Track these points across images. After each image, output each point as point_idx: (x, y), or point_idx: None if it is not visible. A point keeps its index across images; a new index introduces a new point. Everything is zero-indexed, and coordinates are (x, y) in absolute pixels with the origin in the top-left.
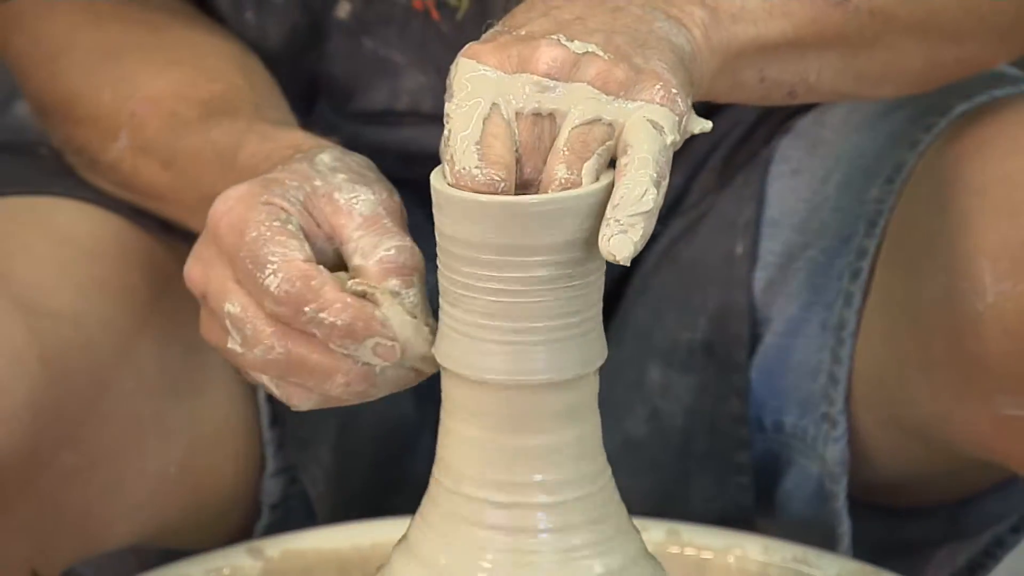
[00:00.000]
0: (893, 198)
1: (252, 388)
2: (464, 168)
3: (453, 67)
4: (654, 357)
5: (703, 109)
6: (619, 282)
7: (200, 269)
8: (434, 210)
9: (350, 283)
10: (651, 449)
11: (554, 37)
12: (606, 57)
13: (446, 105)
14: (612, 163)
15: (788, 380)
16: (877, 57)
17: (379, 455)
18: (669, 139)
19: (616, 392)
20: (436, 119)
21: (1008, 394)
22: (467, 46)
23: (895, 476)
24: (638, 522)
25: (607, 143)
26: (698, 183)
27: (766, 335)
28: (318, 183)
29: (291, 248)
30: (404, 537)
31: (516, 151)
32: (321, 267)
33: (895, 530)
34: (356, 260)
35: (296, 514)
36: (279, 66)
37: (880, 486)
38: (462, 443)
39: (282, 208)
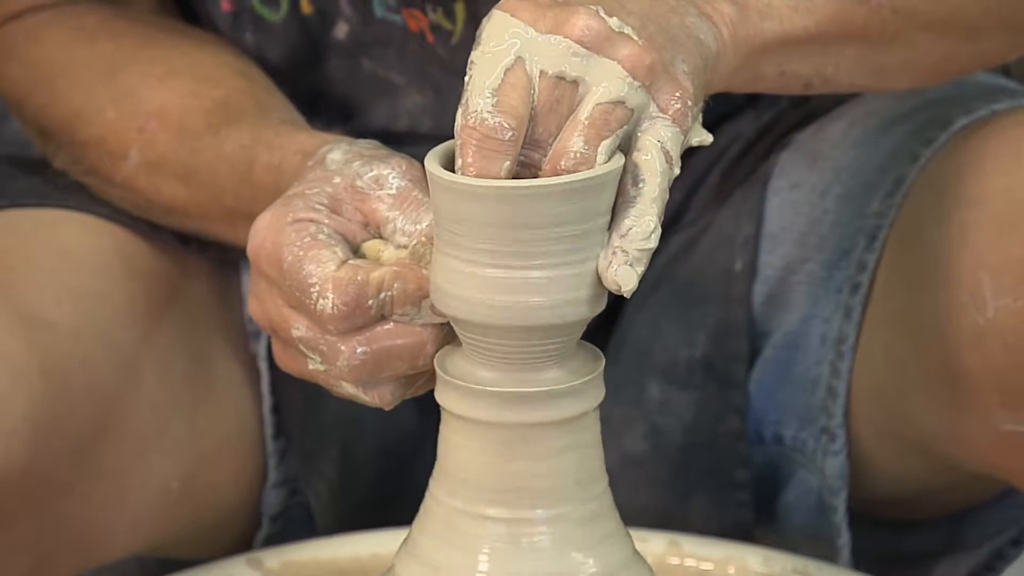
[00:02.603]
0: (894, 212)
1: (256, 399)
2: (476, 110)
3: (486, 19)
4: (653, 373)
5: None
6: (618, 298)
7: (259, 306)
8: (431, 193)
9: (391, 251)
10: (650, 466)
11: (593, 8)
12: (640, 42)
13: (472, 53)
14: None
15: (787, 393)
16: (896, 53)
17: (382, 468)
18: (675, 171)
19: (615, 408)
20: (434, 139)
21: (1008, 409)
22: (504, 1)
23: (895, 489)
24: (638, 533)
25: (624, 127)
26: (697, 199)
27: (765, 348)
28: (337, 180)
29: (324, 260)
30: (405, 541)
31: (532, 108)
32: (358, 261)
33: (895, 543)
34: (399, 239)
35: (296, 525)
36: (278, 85)
37: (880, 499)
38: (461, 450)
39: (310, 220)
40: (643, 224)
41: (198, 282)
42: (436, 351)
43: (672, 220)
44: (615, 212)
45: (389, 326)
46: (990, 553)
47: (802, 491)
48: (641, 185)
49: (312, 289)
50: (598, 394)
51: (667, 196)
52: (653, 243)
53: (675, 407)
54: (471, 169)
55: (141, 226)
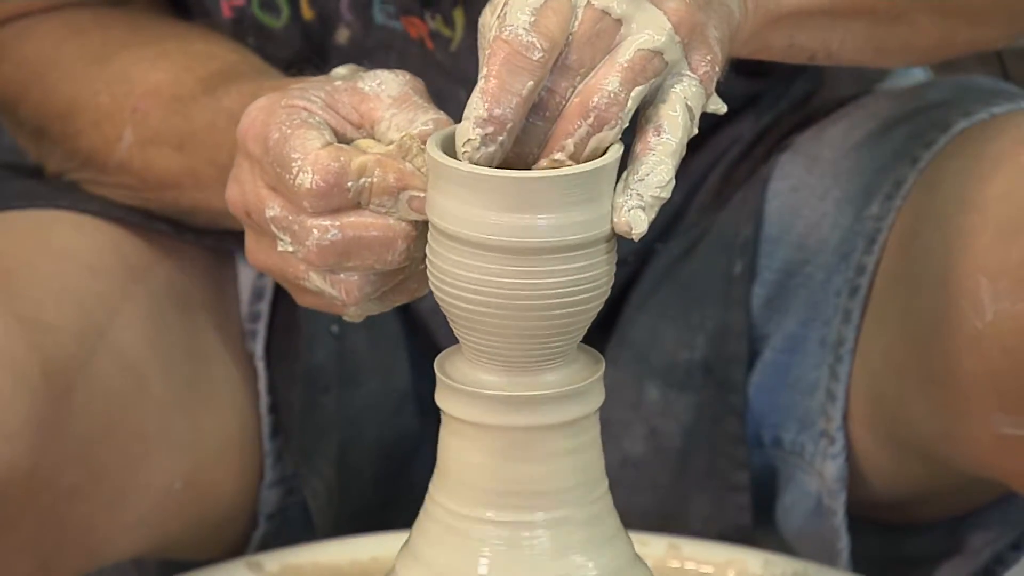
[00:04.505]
0: (892, 215)
1: (254, 399)
2: (512, 24)
3: None
4: (652, 376)
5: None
6: (618, 300)
7: (237, 188)
8: (430, 183)
9: (379, 147)
10: (649, 468)
11: None
12: (687, 0)
13: None
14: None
15: (786, 396)
16: (898, 32)
17: (381, 469)
18: (695, 130)
19: (614, 411)
20: None
21: (1006, 413)
22: None
23: (894, 492)
24: (638, 536)
25: (656, 78)
26: (697, 201)
27: (764, 351)
28: (339, 82)
29: (310, 139)
30: (406, 543)
31: (571, 34)
32: (343, 145)
33: (895, 546)
34: (391, 136)
35: (293, 524)
36: None
37: (879, 502)
38: (461, 454)
39: (303, 108)
40: (660, 173)
41: (196, 279)
42: (407, 248)
43: (672, 223)
44: (633, 158)
45: (365, 215)
46: (990, 557)
47: (801, 494)
48: (664, 135)
49: (294, 164)
50: (598, 397)
51: (684, 152)
52: (667, 194)
53: (674, 410)
54: (493, 80)
55: (135, 218)
